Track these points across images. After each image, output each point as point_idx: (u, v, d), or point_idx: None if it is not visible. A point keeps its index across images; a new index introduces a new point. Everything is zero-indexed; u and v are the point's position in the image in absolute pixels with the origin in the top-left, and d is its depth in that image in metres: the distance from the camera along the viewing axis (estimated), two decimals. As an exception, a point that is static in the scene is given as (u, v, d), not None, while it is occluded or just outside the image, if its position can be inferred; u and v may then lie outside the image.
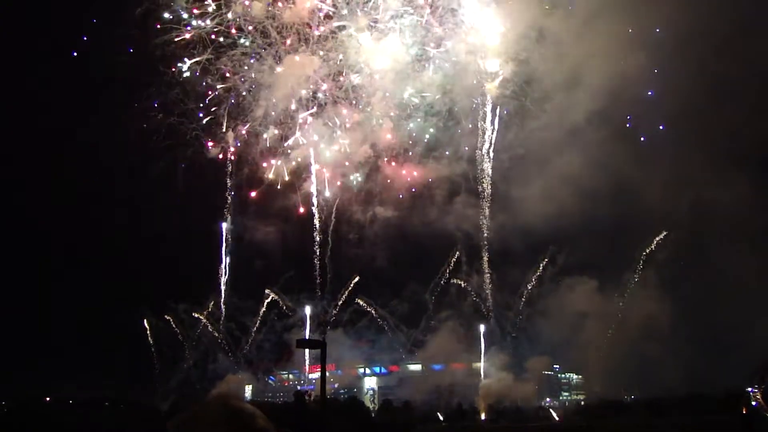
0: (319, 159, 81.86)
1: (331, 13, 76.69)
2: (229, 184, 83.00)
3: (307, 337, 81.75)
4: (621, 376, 76.92)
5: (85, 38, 79.41)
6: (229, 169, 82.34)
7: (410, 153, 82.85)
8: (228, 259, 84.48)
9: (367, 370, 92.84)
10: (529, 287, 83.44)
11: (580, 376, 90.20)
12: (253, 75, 78.48)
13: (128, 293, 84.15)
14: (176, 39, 75.20)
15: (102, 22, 77.56)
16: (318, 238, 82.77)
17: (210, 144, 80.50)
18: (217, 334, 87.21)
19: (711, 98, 72.73)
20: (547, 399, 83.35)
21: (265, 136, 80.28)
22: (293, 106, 79.94)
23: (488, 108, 79.26)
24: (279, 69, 77.80)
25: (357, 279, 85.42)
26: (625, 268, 79.92)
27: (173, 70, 76.65)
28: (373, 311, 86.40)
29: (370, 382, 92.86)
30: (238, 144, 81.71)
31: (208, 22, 75.36)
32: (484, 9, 75.79)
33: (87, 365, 79.80)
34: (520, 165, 79.40)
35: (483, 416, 78.52)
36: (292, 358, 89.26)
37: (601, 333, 77.57)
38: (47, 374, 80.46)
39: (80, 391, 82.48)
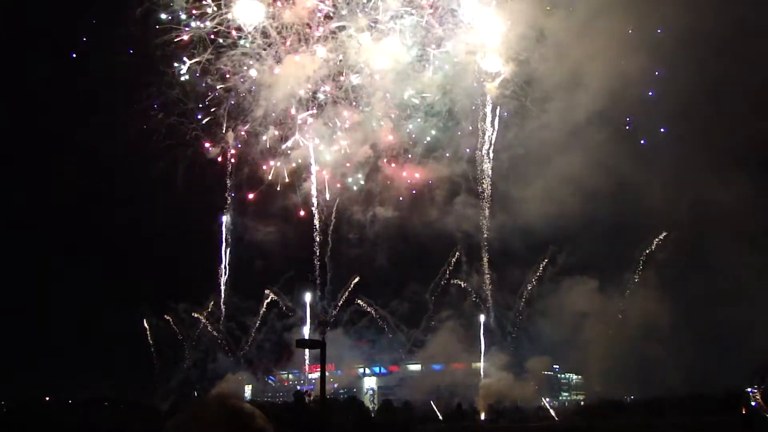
0: (319, 159, 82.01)
1: (331, 13, 76.86)
2: (229, 185, 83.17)
3: (306, 334, 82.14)
4: (621, 376, 76.84)
5: (84, 39, 79.58)
6: (229, 169, 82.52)
7: (410, 155, 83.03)
8: (228, 259, 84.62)
9: (367, 370, 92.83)
10: (529, 287, 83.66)
11: (580, 376, 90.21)
12: (253, 75, 78.59)
13: (128, 293, 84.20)
14: (175, 39, 75.34)
15: (102, 22, 77.65)
16: (318, 239, 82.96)
17: (208, 145, 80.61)
18: (216, 334, 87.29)
19: (711, 98, 72.91)
20: (547, 399, 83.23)
21: (264, 138, 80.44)
22: (293, 107, 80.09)
23: (488, 108, 79.39)
24: (279, 69, 77.93)
25: (357, 279, 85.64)
26: (625, 268, 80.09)
27: (173, 70, 76.80)
28: (373, 311, 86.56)
29: (370, 382, 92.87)
30: (239, 145, 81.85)
31: (208, 23, 75.38)
32: (484, 9, 75.87)
33: (87, 365, 79.83)
34: (520, 165, 79.53)
35: (483, 416, 78.55)
36: (292, 358, 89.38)
37: (601, 333, 77.57)
38: (47, 374, 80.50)
39: (80, 391, 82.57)
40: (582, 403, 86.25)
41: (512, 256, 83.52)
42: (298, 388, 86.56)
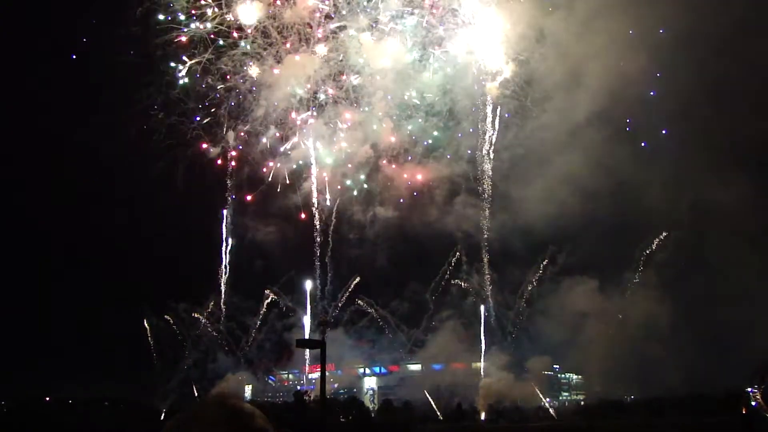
0: (320, 159, 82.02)
1: (331, 13, 76.87)
2: (229, 185, 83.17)
3: (306, 331, 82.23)
4: (621, 376, 76.86)
5: (84, 39, 79.59)
6: (229, 169, 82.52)
7: (409, 157, 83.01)
8: (228, 259, 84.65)
9: (367, 370, 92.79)
10: (530, 287, 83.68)
11: (580, 376, 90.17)
12: (253, 75, 78.60)
13: (128, 293, 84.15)
14: (175, 40, 75.37)
15: (102, 22, 77.68)
16: (318, 239, 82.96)
17: (206, 145, 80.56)
18: (216, 334, 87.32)
19: (711, 98, 72.95)
20: (547, 399, 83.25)
21: (264, 140, 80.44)
22: (294, 107, 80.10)
23: (488, 108, 79.39)
24: (279, 69, 77.94)
25: (357, 279, 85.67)
26: (625, 268, 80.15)
27: (173, 71, 76.79)
28: (373, 311, 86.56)
29: (370, 382, 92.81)
30: (240, 148, 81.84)
31: (208, 25, 75.37)
32: (485, 9, 75.91)
33: (87, 365, 79.71)
34: (520, 165, 79.55)
35: (483, 416, 78.54)
36: (292, 358, 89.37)
37: (601, 333, 77.54)
38: (47, 374, 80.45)
39: (80, 391, 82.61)
40: (582, 403, 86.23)
41: (512, 256, 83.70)
42: (298, 388, 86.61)
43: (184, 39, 75.45)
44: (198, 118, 79.21)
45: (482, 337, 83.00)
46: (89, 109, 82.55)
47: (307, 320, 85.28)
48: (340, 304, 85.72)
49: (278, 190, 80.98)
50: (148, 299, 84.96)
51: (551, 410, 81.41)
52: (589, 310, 77.34)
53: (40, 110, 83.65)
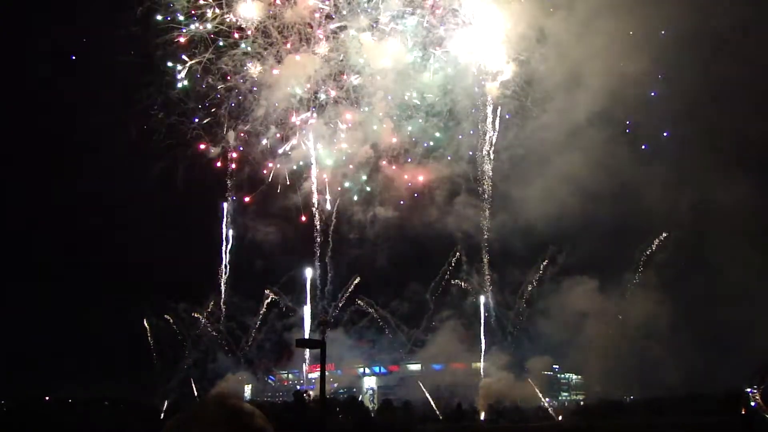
0: (320, 159, 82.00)
1: (332, 13, 76.82)
2: (229, 185, 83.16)
3: (306, 329, 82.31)
4: (621, 376, 76.88)
5: (84, 39, 79.55)
6: (230, 169, 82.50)
7: (409, 160, 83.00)
8: (228, 258, 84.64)
9: (367, 370, 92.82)
10: (530, 287, 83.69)
11: (580, 376, 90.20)
12: (254, 75, 78.56)
13: (128, 293, 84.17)
14: (175, 41, 75.33)
15: (102, 22, 77.61)
16: (319, 239, 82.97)
17: (205, 145, 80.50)
18: (216, 334, 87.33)
19: (712, 99, 72.94)
20: (547, 399, 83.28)
21: (265, 141, 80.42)
22: (294, 107, 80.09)
23: (489, 109, 79.39)
24: (279, 69, 77.90)
25: (357, 279, 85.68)
26: (625, 268, 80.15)
27: (173, 71, 76.77)
28: (373, 311, 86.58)
29: (370, 382, 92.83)
30: (241, 149, 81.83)
31: (208, 26, 75.35)
32: (485, 9, 75.85)
33: (87, 365, 79.76)
34: (520, 165, 79.57)
35: (483, 416, 78.56)
36: (292, 358, 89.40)
37: (601, 333, 77.57)
38: (47, 374, 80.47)
39: (80, 391, 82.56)
40: (582, 403, 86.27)
41: (512, 257, 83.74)
42: (298, 387, 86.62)
43: (184, 39, 75.49)
44: (198, 119, 79.27)
45: (482, 337, 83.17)
46: (89, 109, 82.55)
47: (307, 310, 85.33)
48: (340, 304, 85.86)
49: (278, 190, 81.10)
50: (148, 299, 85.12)
51: (551, 410, 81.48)
52: (589, 310, 77.45)
53: (40, 110, 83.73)
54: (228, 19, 75.46)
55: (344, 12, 76.15)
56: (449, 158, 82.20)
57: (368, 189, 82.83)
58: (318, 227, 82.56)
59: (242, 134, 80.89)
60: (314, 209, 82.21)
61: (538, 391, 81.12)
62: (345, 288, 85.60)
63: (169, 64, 76.07)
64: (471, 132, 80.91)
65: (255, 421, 5.00)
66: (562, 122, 76.18)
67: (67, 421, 72.61)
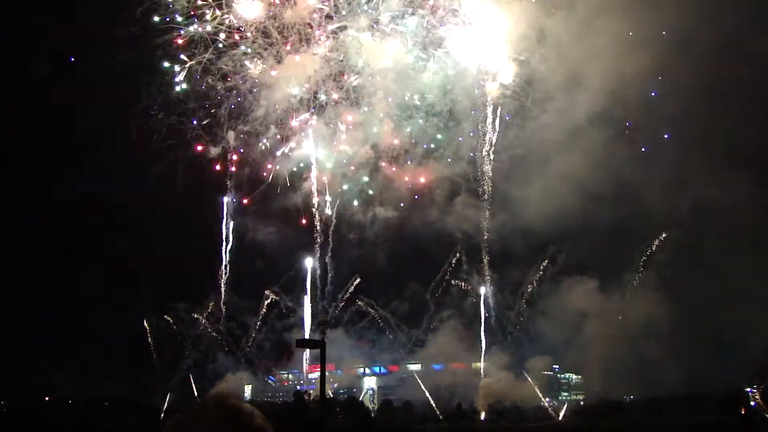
0: (320, 159, 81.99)
1: (331, 13, 76.80)
2: (229, 185, 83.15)
3: (306, 329, 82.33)
4: (621, 376, 76.87)
5: (84, 39, 79.50)
6: (230, 169, 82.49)
7: (409, 161, 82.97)
8: (228, 258, 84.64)
9: (367, 370, 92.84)
10: (530, 287, 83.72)
11: (580, 376, 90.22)
12: (253, 75, 78.52)
13: (128, 293, 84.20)
14: (174, 41, 75.28)
15: (102, 22, 77.54)
16: (319, 239, 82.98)
17: (204, 146, 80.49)
18: (216, 334, 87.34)
19: (711, 99, 72.90)
20: (547, 399, 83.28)
21: (265, 141, 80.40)
22: (294, 107, 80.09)
23: (489, 109, 79.39)
24: (279, 69, 77.86)
25: (358, 279, 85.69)
26: (625, 268, 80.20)
27: (173, 71, 76.76)
28: (373, 311, 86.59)
29: (370, 382, 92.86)
30: (241, 150, 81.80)
31: (208, 27, 75.31)
32: (485, 9, 75.82)
33: (87, 365, 79.73)
34: (520, 165, 79.60)
35: (483, 416, 78.57)
36: (292, 358, 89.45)
37: (601, 333, 77.59)
38: (47, 374, 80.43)
39: (80, 391, 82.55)
40: (582, 403, 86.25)
41: (512, 257, 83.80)
42: (298, 388, 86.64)
43: (184, 40, 75.45)
44: (197, 119, 79.22)
45: (482, 337, 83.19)
46: (89, 109, 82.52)
47: (307, 310, 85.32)
48: (340, 305, 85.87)
49: (278, 191, 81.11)
50: (148, 299, 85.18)
51: (550, 410, 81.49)
52: (588, 310, 77.48)
53: (40, 110, 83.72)
54: (227, 20, 75.55)
55: (344, 12, 76.23)
56: (449, 159, 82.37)
57: (370, 192, 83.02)
58: (318, 228, 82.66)
59: (242, 135, 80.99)
60: (314, 210, 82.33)
61: (538, 391, 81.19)
62: (345, 288, 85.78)
63: (169, 64, 76.18)
64: (471, 132, 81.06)
65: (255, 421, 5.03)
66: (562, 122, 76.30)
67: (67, 421, 72.69)
